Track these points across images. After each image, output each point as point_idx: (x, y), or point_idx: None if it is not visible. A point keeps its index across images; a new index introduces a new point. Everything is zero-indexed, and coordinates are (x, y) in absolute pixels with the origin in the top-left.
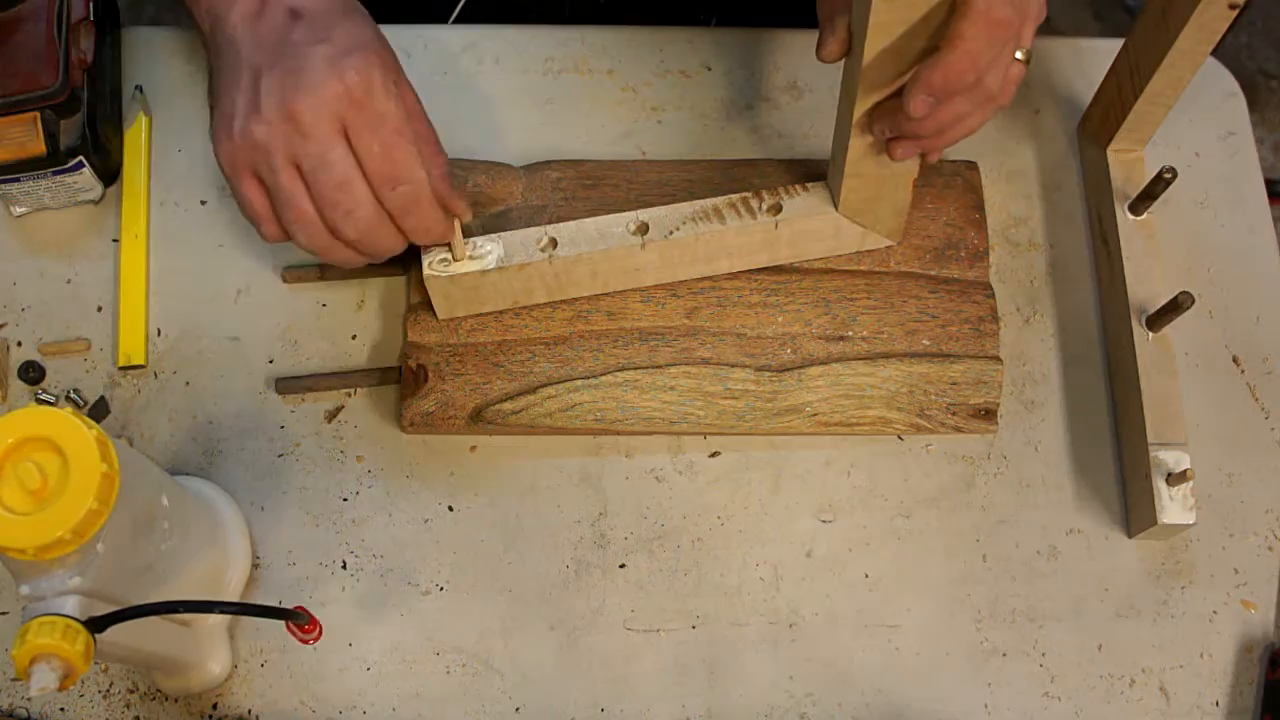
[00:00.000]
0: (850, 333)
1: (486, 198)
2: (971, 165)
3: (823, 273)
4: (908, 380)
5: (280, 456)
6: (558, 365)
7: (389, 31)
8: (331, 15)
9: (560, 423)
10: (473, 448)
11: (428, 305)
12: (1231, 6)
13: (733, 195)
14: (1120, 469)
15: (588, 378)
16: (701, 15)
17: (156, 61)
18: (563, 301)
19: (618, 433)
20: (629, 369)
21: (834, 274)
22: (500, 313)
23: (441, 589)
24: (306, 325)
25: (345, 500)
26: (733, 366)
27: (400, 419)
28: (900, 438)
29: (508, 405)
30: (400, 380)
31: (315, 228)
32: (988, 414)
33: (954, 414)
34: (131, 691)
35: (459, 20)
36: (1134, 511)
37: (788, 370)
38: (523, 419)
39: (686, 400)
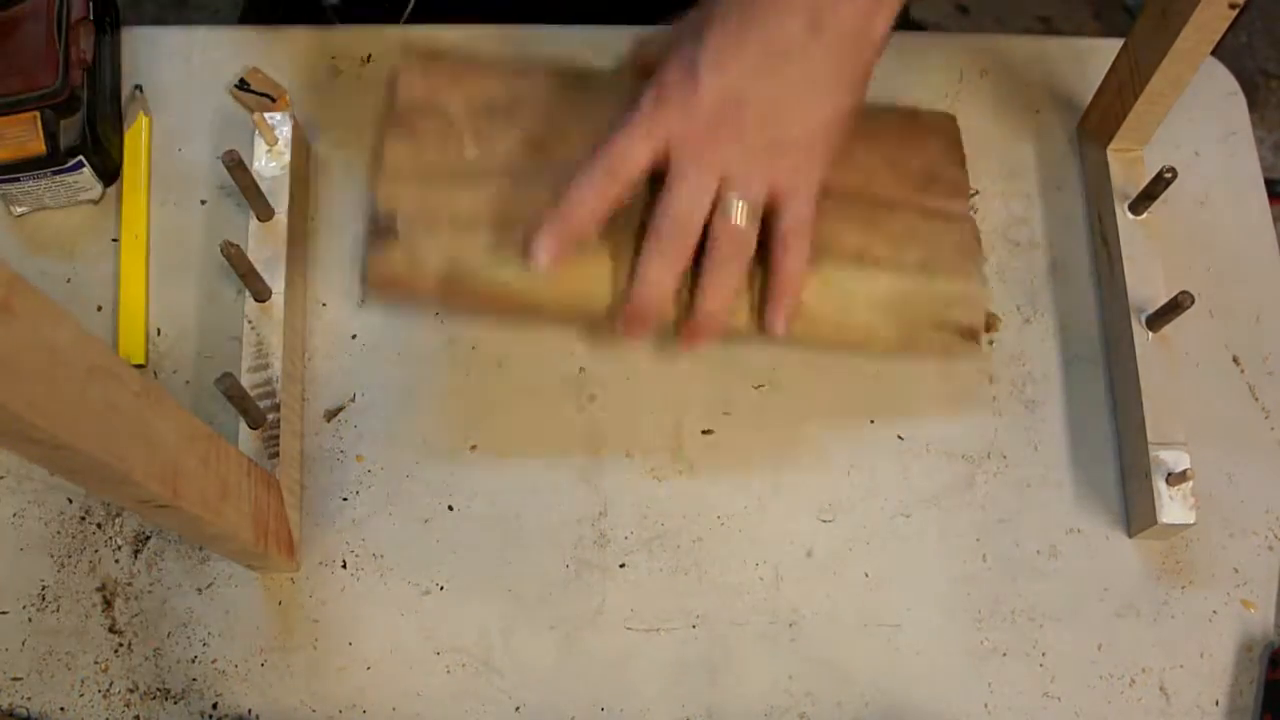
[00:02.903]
0: (836, 244)
1: (468, 83)
2: (950, 118)
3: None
4: (896, 291)
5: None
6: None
7: (386, 29)
8: None
9: (531, 284)
10: (473, 447)
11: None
12: (1232, 6)
13: None
14: (1120, 469)
15: None
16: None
17: (156, 61)
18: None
19: (602, 311)
20: (611, 237)
21: (823, 194)
22: (478, 182)
23: (441, 589)
24: (307, 325)
25: (345, 500)
26: None
27: (363, 282)
28: (900, 439)
29: (480, 262)
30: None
31: None
32: (973, 333)
33: (940, 329)
34: (131, 691)
35: (410, 20)
36: (1134, 511)
37: None
38: (493, 278)
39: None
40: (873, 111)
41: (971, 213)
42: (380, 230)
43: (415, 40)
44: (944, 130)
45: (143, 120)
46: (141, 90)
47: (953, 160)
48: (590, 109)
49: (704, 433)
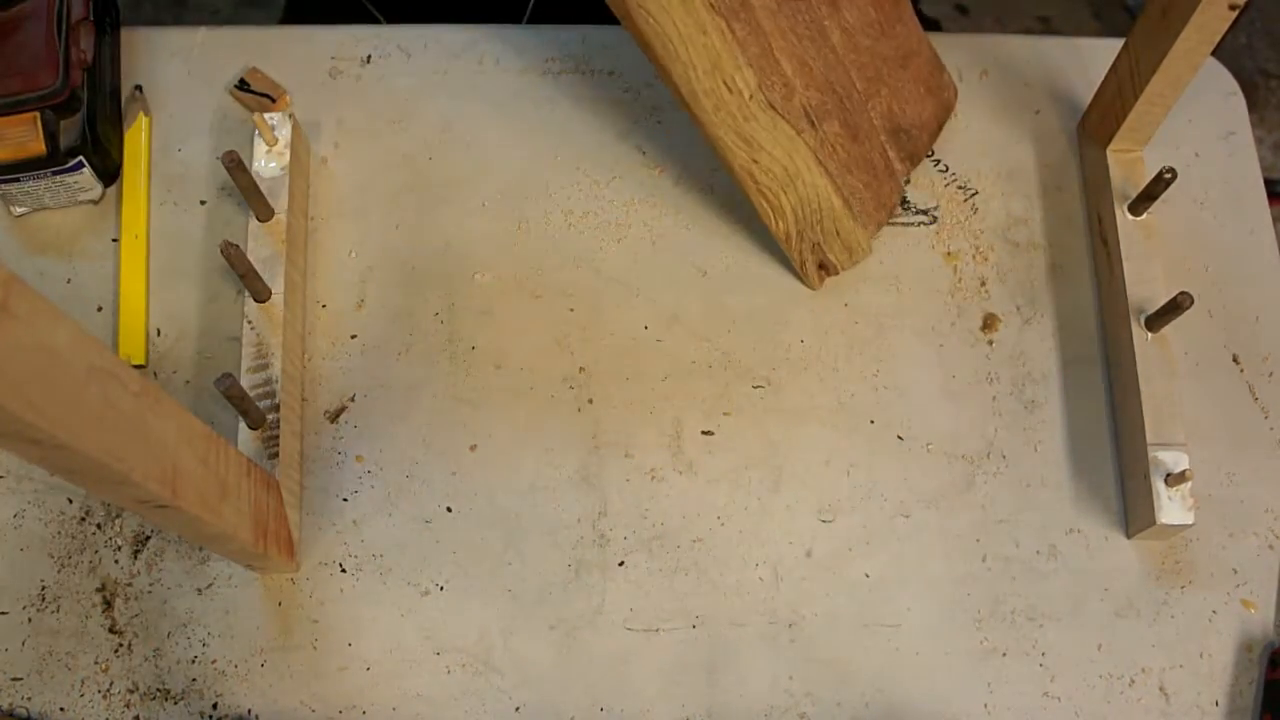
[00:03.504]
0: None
1: None
2: (954, 93)
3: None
4: (820, 196)
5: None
6: None
7: (386, 29)
8: None
9: None
10: (473, 447)
11: None
12: (1232, 7)
13: None
14: (1119, 469)
15: None
16: None
17: (156, 61)
18: None
19: None
20: None
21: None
22: None
23: (441, 589)
24: (306, 325)
25: (345, 500)
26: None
27: None
28: (900, 439)
29: None
30: None
31: None
32: (828, 271)
33: (812, 250)
34: (131, 691)
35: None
36: (1133, 512)
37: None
38: None
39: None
40: (913, 31)
41: (905, 181)
42: None
43: None
44: (942, 99)
45: (143, 120)
46: (142, 90)
47: (929, 130)
48: None
49: (704, 433)
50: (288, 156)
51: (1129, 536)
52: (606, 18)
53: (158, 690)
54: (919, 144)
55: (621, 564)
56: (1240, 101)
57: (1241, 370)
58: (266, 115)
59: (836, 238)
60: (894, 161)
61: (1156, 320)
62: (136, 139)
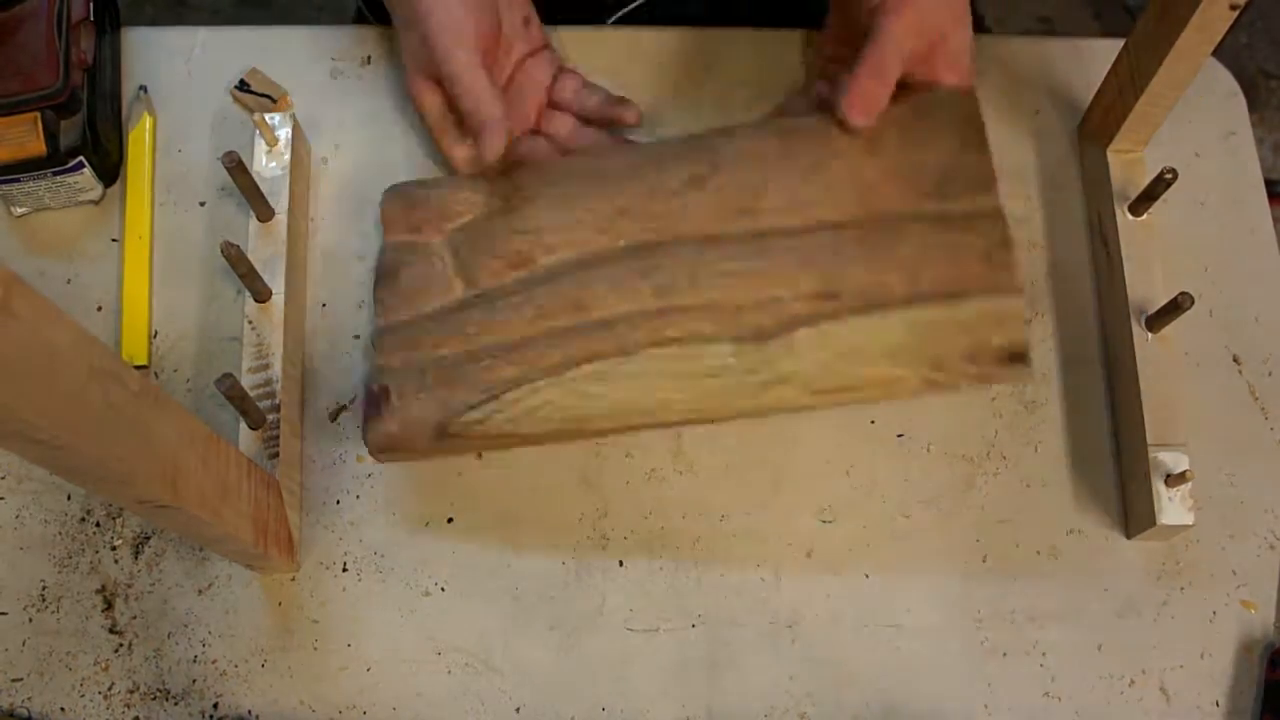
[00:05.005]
0: (841, 288)
1: (449, 211)
2: (961, 94)
3: (806, 230)
4: (913, 330)
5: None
6: (520, 367)
7: (386, 30)
8: None
9: (527, 428)
10: (478, 455)
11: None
12: (1232, 7)
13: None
14: (1120, 469)
15: (550, 374)
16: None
17: (157, 62)
18: (527, 302)
19: (596, 433)
20: (595, 360)
21: (820, 228)
22: (464, 322)
23: (442, 589)
24: (307, 325)
25: (345, 501)
26: (708, 341)
27: (366, 445)
28: (900, 439)
29: (471, 416)
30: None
31: None
32: (1015, 356)
33: (974, 361)
34: (132, 692)
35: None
36: (1133, 512)
37: (771, 338)
38: (488, 428)
39: (660, 384)
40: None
41: (998, 198)
42: (375, 399)
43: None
44: (956, 112)
45: (147, 120)
46: (146, 91)
47: (970, 145)
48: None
49: (704, 433)
50: (288, 157)
51: (1129, 537)
52: (604, 19)
53: (158, 690)
54: (972, 162)
55: (621, 564)
56: (1240, 101)
57: (1241, 370)
58: (267, 115)
59: (968, 331)
60: (967, 205)
61: (1156, 320)
62: (141, 139)
